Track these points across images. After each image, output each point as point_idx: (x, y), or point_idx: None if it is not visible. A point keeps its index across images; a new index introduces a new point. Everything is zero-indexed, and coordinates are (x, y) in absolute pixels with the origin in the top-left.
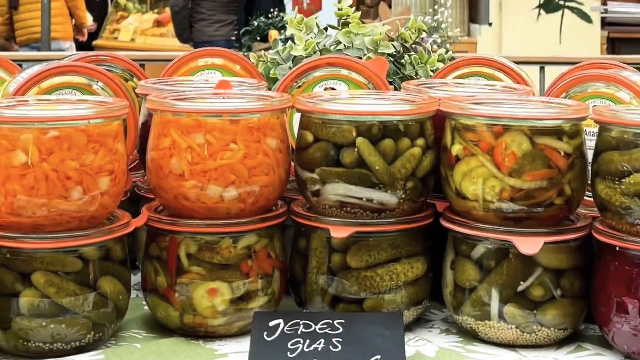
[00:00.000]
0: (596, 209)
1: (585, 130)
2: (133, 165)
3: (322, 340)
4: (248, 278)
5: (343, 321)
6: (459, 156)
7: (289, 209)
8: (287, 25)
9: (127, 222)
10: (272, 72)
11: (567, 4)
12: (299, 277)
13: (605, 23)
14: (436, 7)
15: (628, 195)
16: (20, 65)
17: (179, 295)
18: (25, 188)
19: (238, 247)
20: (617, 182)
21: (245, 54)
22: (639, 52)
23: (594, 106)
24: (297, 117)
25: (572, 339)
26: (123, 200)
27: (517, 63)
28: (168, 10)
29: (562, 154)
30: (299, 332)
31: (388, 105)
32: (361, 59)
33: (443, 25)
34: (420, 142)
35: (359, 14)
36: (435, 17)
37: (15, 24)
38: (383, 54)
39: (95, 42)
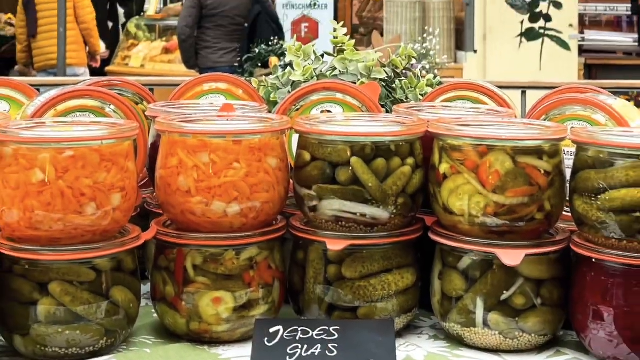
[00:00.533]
0: (574, 223)
1: (564, 150)
2: (143, 182)
3: (319, 346)
4: (250, 287)
5: (338, 328)
6: (446, 174)
7: (288, 223)
8: (286, 52)
9: (137, 236)
10: (272, 95)
11: (547, 32)
12: (297, 287)
13: (582, 50)
14: (425, 35)
15: (603, 211)
16: (38, 89)
17: (185, 304)
18: (43, 204)
19: (240, 259)
20: (593, 198)
21: (247, 78)
22: (613, 77)
23: (572, 127)
24: (295, 137)
25: (551, 344)
26: (133, 215)
27: (500, 87)
28: (175, 39)
29: (542, 172)
30: (297, 338)
31: (380, 127)
32: (355, 83)
33: (431, 52)
34: (410, 161)
35: (353, 41)
36: (424, 45)
37: (33, 50)
38: (375, 79)
39: (107, 68)
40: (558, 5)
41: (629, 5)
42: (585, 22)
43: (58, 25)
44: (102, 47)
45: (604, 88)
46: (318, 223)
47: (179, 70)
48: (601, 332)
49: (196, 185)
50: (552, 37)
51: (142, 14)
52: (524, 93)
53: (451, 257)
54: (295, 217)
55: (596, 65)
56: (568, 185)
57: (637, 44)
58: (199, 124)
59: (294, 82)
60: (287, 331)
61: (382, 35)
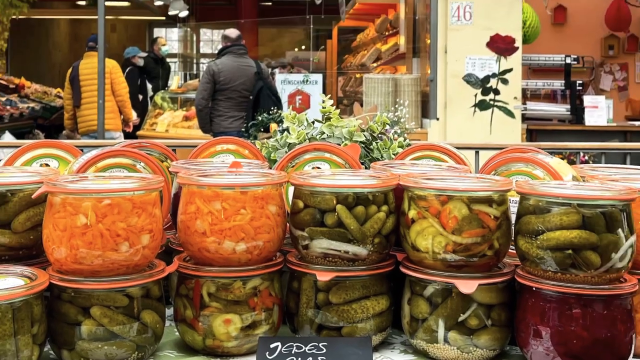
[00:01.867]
0: (518, 259)
1: (510, 199)
2: (167, 225)
3: (310, 358)
4: (254, 311)
5: (326, 343)
6: (414, 219)
7: (285, 258)
8: (283, 120)
9: (162, 269)
10: (272, 155)
11: (496, 103)
12: (292, 310)
13: (524, 118)
14: (396, 106)
15: (542, 249)
16: (81, 150)
17: (201, 324)
18: (85, 243)
19: (246, 288)
20: (533, 239)
21: (252, 141)
22: (550, 139)
23: (516, 181)
24: (291, 189)
25: (499, 357)
26: (159, 251)
27: (458, 148)
28: (193, 109)
29: (492, 217)
30: (293, 352)
31: (360, 180)
32: (340, 145)
33: (402, 120)
34: (385, 208)
35: (338, 111)
36: (396, 113)
37: (77, 118)
38: (356, 141)
39: (138, 132)
40: (505, 81)
41: (563, 81)
42: (527, 95)
43: (98, 97)
44: (134, 115)
45: (542, 148)
46: (309, 258)
47: (197, 134)
48: (540, 347)
49: (210, 227)
50: (500, 107)
51: (166, 88)
52: (477, 153)
53: (418, 286)
54: (291, 253)
55: (536, 130)
56: (513, 227)
57: (569, 112)
58: (212, 178)
59: (290, 143)
60: (284, 346)
61: (361, 105)
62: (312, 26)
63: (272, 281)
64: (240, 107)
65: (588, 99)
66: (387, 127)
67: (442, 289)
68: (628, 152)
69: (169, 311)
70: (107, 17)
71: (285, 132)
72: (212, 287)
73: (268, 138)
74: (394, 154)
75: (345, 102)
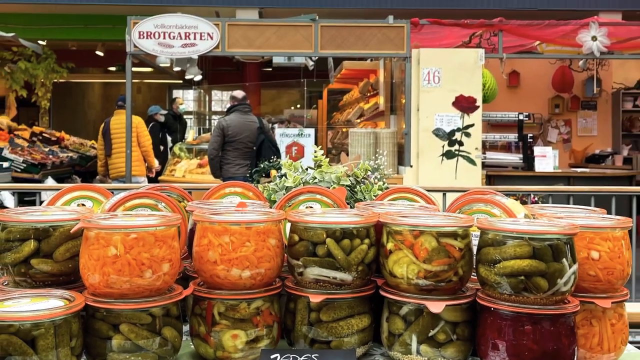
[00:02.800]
0: (479, 283)
1: (472, 233)
2: (184, 255)
3: None
4: (257, 327)
5: (317, 355)
6: (391, 250)
7: (283, 283)
8: (282, 167)
9: (180, 292)
10: (272, 196)
11: (460, 153)
12: (289, 327)
13: (484, 165)
14: (377, 155)
15: (499, 275)
16: (112, 192)
17: (213, 338)
18: (115, 270)
19: (251, 308)
20: (491, 267)
21: (256, 185)
22: (505, 183)
23: (477, 218)
24: (288, 225)
25: None
26: (177, 277)
27: (428, 191)
28: (206, 158)
29: (457, 248)
30: None
31: (346, 218)
32: (329, 188)
33: (381, 167)
34: (367, 241)
35: (327, 159)
36: (376, 162)
37: (109, 165)
38: (343, 185)
39: (160, 177)
40: (468, 135)
41: (516, 134)
42: (487, 146)
43: (126, 148)
44: (156, 163)
45: (499, 191)
46: (304, 283)
47: (209, 179)
48: (497, 358)
49: (220, 257)
50: (463, 157)
51: (183, 140)
52: (444, 194)
53: (395, 306)
54: (288, 279)
55: (494, 175)
56: (474, 257)
57: (521, 161)
58: (222, 216)
59: (287, 187)
60: (282, 357)
61: (347, 155)
62: (305, 88)
63: (272, 302)
64: (246, 156)
65: (537, 149)
66: (369, 173)
67: (415, 309)
68: (571, 194)
69: (186, 327)
70: (133, 80)
71: (283, 177)
72: (221, 307)
73: (269, 182)
74: (374, 196)
75: (334, 152)
